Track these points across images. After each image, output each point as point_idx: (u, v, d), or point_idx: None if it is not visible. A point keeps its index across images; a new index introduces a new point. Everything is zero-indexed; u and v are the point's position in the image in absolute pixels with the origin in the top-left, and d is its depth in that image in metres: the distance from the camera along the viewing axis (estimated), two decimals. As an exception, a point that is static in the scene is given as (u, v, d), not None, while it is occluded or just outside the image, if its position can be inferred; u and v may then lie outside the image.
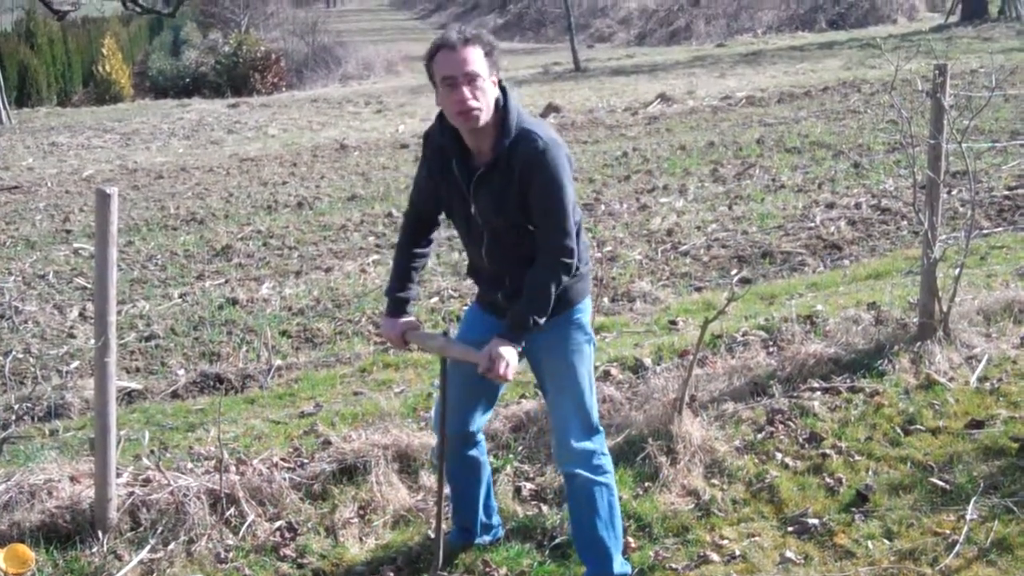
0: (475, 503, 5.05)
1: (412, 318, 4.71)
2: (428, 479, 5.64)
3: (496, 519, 5.20)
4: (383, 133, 19.90)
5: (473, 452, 4.94)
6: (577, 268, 4.42)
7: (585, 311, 4.59)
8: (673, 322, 8.10)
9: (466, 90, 4.11)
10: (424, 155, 4.52)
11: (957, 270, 6.99)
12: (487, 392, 4.83)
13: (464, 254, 5.12)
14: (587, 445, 4.60)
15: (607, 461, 4.69)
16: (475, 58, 4.14)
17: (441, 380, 4.61)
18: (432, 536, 4.96)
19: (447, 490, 4.83)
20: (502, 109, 4.24)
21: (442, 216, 4.68)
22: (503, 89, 4.29)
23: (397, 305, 4.67)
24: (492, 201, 4.29)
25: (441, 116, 4.37)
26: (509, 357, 4.24)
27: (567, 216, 4.25)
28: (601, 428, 4.71)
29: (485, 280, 4.63)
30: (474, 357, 4.36)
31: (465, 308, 8.76)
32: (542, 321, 4.30)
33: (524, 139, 4.19)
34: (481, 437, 4.99)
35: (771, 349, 7.11)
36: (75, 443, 6.31)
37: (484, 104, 4.15)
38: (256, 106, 26.30)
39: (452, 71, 4.12)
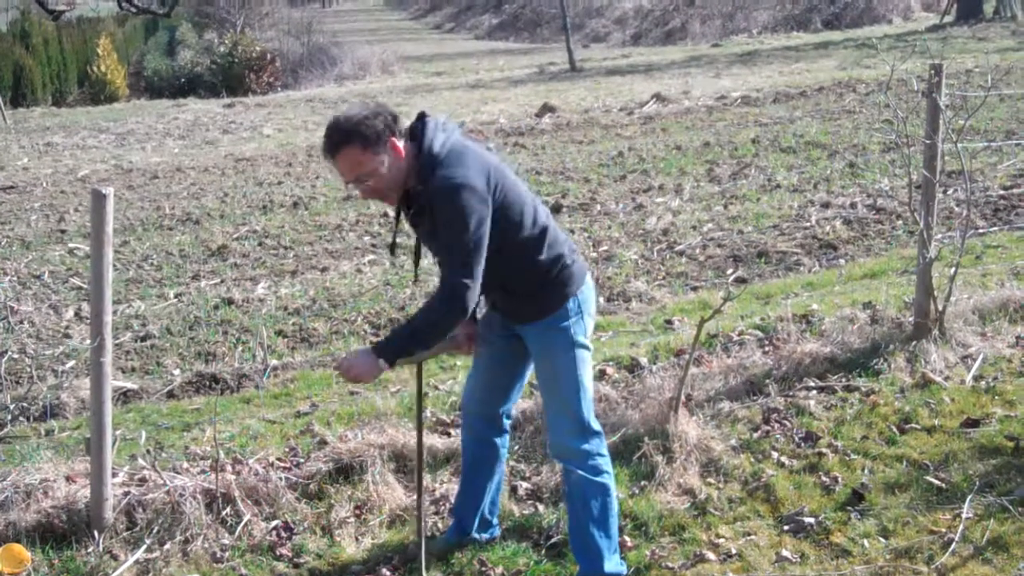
0: (482, 494, 5.06)
1: None
2: (424, 478, 5.63)
3: (496, 518, 5.20)
4: (379, 133, 19.83)
5: (496, 439, 4.99)
6: (547, 277, 4.53)
7: (569, 315, 4.59)
8: (669, 321, 8.11)
9: (359, 191, 4.37)
10: None
11: (952, 269, 7.00)
12: (513, 375, 4.90)
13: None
14: (581, 446, 4.63)
15: (604, 462, 4.70)
16: (351, 162, 4.29)
17: (417, 386, 4.71)
18: (415, 540, 4.97)
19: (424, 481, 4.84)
20: (418, 154, 4.35)
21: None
22: (417, 128, 4.42)
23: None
24: (428, 238, 4.48)
25: None
26: (358, 368, 4.35)
27: (461, 252, 4.25)
28: (599, 429, 4.71)
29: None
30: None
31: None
32: (413, 355, 4.45)
33: (432, 181, 4.29)
34: (507, 427, 5.04)
35: (767, 348, 7.11)
36: (71, 443, 6.31)
37: (381, 189, 4.36)
38: (251, 106, 26.27)
39: (344, 177, 4.36)
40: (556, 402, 4.66)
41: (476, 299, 4.30)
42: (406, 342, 4.35)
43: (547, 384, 4.71)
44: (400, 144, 4.32)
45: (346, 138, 4.25)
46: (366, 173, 4.28)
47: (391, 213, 5.63)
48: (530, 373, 4.98)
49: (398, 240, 4.90)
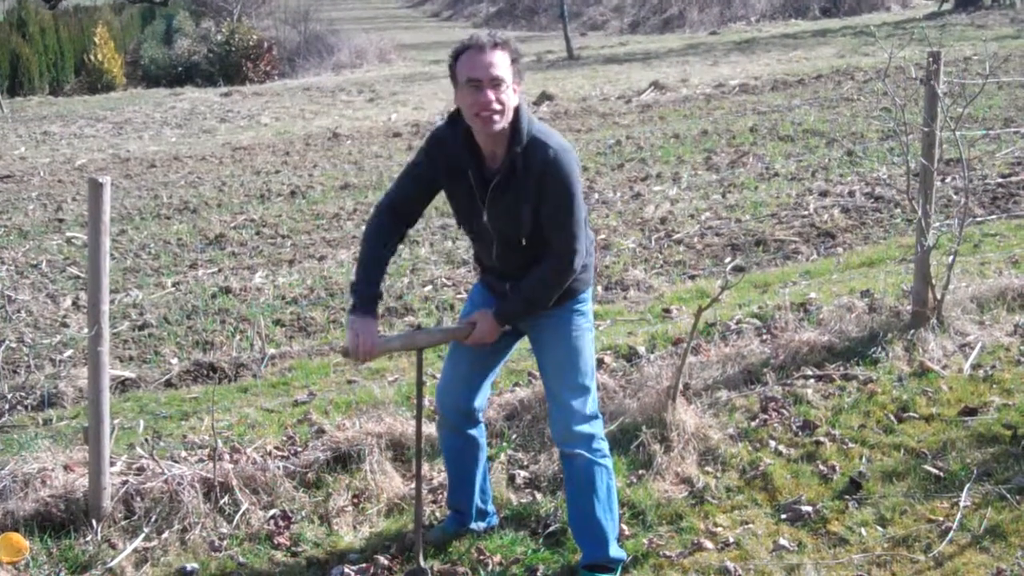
0: (471, 485, 5.06)
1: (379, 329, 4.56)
2: (422, 466, 5.64)
3: (491, 506, 5.20)
4: (376, 122, 19.85)
5: (473, 431, 4.98)
6: (584, 265, 4.53)
7: (587, 300, 4.68)
8: (667, 310, 8.11)
9: (490, 93, 4.14)
10: (429, 156, 4.48)
11: (950, 258, 7.00)
12: (491, 370, 4.91)
13: (466, 242, 5.16)
14: (587, 429, 4.64)
15: (605, 445, 4.73)
16: (502, 63, 4.18)
17: (418, 373, 4.66)
18: (412, 529, 4.97)
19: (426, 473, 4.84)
20: (515, 117, 4.26)
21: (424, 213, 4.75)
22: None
23: (367, 303, 4.49)
24: (505, 213, 4.36)
25: (452, 120, 4.40)
26: (489, 329, 4.48)
27: (577, 223, 4.33)
28: (600, 414, 4.73)
29: (492, 273, 4.71)
30: (453, 332, 4.63)
31: (458, 296, 8.76)
32: (530, 311, 4.50)
33: (536, 147, 4.24)
34: (481, 417, 5.03)
35: (764, 337, 7.11)
36: (69, 432, 6.31)
37: (505, 109, 4.18)
38: (249, 95, 26.24)
39: (479, 73, 4.15)
40: (571, 383, 4.63)
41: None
42: (520, 308, 4.50)
43: (562, 366, 4.65)
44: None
45: (505, 44, 4.21)
46: (505, 81, 4.17)
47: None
48: (498, 374, 4.99)
49: (411, 222, 4.76)
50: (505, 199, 4.32)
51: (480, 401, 4.94)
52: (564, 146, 4.28)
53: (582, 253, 4.38)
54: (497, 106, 4.15)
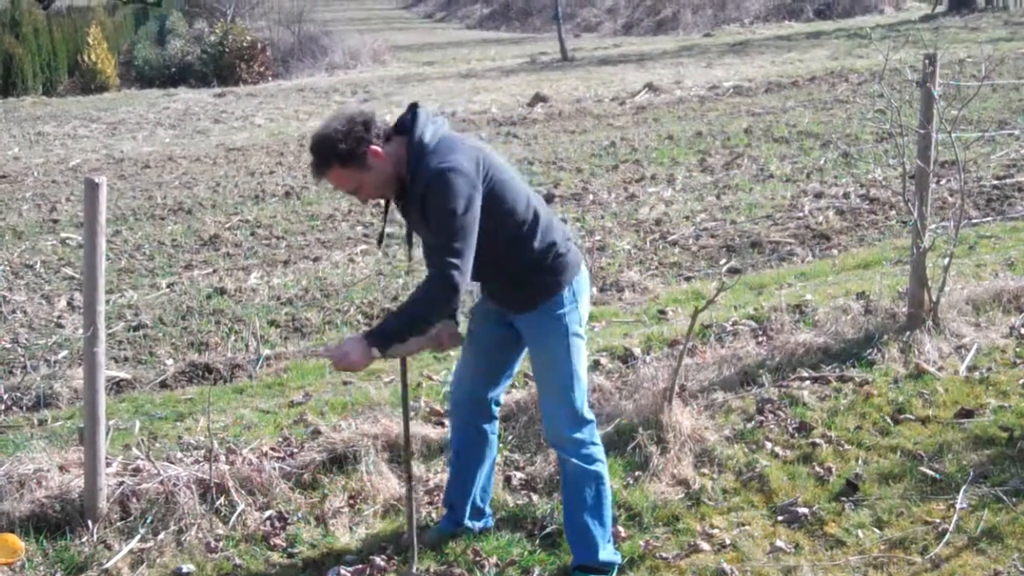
0: (472, 480, 5.06)
1: None
2: (417, 468, 5.64)
3: (488, 508, 5.20)
4: (370, 122, 19.79)
5: (485, 425, 5.00)
6: (539, 265, 4.54)
7: (564, 304, 4.59)
8: (663, 312, 8.11)
9: (355, 197, 4.63)
10: None
11: (946, 260, 7.00)
12: (503, 363, 4.91)
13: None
14: (575, 435, 4.63)
15: (598, 451, 4.71)
16: (338, 179, 4.44)
17: (402, 377, 4.69)
18: (405, 533, 4.96)
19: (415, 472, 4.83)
20: (409, 144, 4.40)
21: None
22: (407, 120, 4.46)
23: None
24: (418, 226, 4.48)
25: None
26: (350, 356, 4.31)
27: (452, 235, 4.25)
28: (592, 418, 4.72)
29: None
30: (323, 352, 4.63)
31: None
32: (406, 334, 4.35)
33: (418, 174, 4.35)
34: (496, 413, 5.04)
35: (760, 339, 7.12)
36: (64, 433, 6.29)
37: (372, 193, 4.52)
38: (242, 95, 26.22)
39: (338, 189, 4.65)
40: (551, 391, 4.67)
41: (466, 284, 4.28)
42: (397, 329, 4.34)
43: (542, 373, 4.73)
44: (380, 148, 4.36)
45: (325, 162, 4.36)
46: (353, 187, 4.45)
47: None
48: (521, 363, 4.98)
49: (388, 231, 4.89)
50: (414, 215, 4.46)
51: (494, 393, 4.96)
52: (443, 164, 4.29)
53: (459, 270, 4.23)
54: (369, 198, 4.59)
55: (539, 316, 4.59)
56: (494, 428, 5.06)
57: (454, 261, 4.23)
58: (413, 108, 4.47)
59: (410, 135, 4.39)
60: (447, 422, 6.09)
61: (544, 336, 4.61)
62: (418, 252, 4.57)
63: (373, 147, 4.34)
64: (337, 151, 4.31)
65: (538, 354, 4.69)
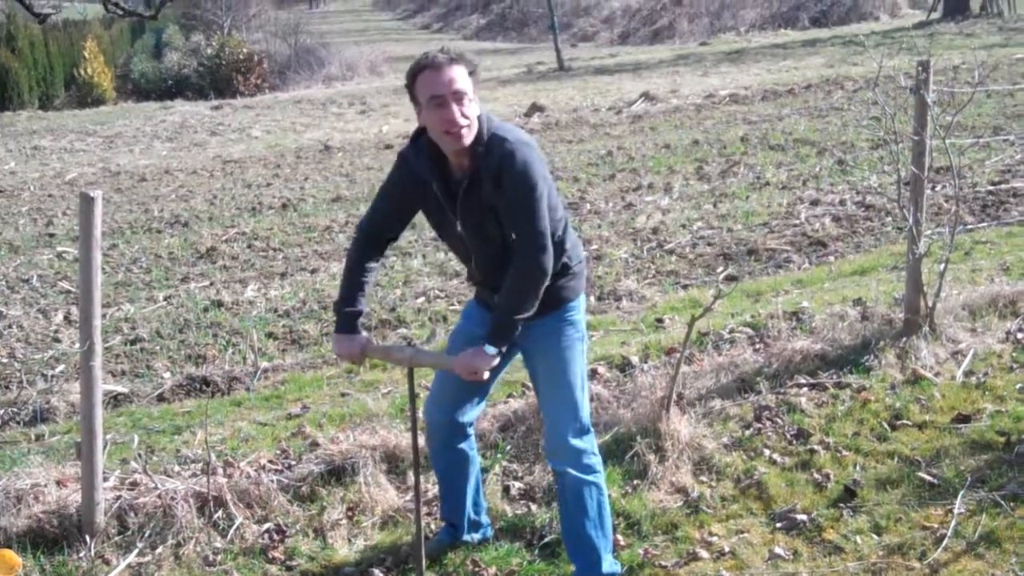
0: (463, 498, 5.04)
1: (365, 334, 4.65)
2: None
3: (485, 518, 5.19)
4: (367, 134, 19.87)
5: (462, 444, 4.94)
6: (567, 267, 4.50)
7: (578, 309, 4.60)
8: (660, 320, 8.11)
9: (455, 108, 4.12)
10: (396, 175, 4.50)
11: (942, 265, 7.00)
12: (479, 385, 4.81)
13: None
14: (578, 444, 4.60)
15: (597, 461, 4.68)
16: (461, 77, 4.15)
17: (409, 390, 4.63)
18: (411, 542, 4.95)
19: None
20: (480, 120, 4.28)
21: (404, 232, 4.73)
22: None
23: (349, 320, 4.60)
24: (475, 218, 4.32)
25: (415, 139, 4.40)
26: (483, 364, 4.29)
27: (538, 217, 4.20)
28: (591, 428, 4.71)
29: (478, 283, 4.68)
30: (448, 364, 4.44)
31: (451, 308, 8.76)
32: (520, 324, 4.30)
33: (494, 144, 4.20)
34: (471, 431, 4.99)
35: (758, 346, 7.12)
36: (61, 447, 6.29)
37: (472, 122, 4.18)
38: (239, 108, 26.25)
39: (440, 90, 4.12)
40: (561, 397, 4.61)
41: (551, 263, 4.25)
42: (511, 323, 4.29)
43: (553, 379, 4.62)
44: None
45: (461, 58, 4.20)
46: (467, 94, 4.16)
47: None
48: (493, 387, 4.95)
49: (392, 238, 4.80)
50: (472, 203, 4.28)
51: (470, 416, 4.90)
52: (521, 139, 4.23)
53: (548, 250, 4.22)
54: (464, 120, 4.14)
55: (556, 321, 4.53)
56: (471, 444, 5.00)
57: (545, 237, 4.20)
58: None
59: (479, 117, 4.28)
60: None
61: (560, 339, 4.55)
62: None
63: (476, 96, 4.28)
64: (468, 59, 4.22)
65: (550, 359, 4.60)
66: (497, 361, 4.35)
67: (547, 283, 4.37)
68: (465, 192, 4.29)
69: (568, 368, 4.57)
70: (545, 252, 4.21)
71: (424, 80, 4.17)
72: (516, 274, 4.26)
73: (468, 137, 4.18)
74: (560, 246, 4.44)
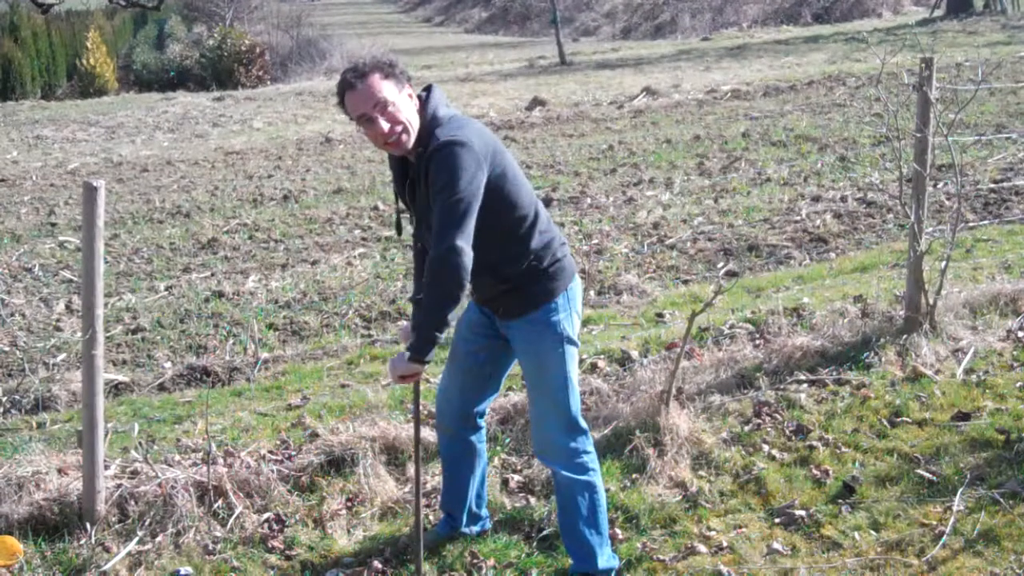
0: (466, 489, 5.06)
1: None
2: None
3: (485, 511, 5.20)
4: (369, 126, 19.81)
5: (472, 436, 4.98)
6: (536, 268, 4.47)
7: (559, 310, 4.52)
8: (660, 315, 8.12)
9: (382, 120, 4.21)
10: (392, 176, 4.61)
11: (943, 263, 7.01)
12: (489, 377, 4.87)
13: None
14: (567, 444, 4.60)
15: (590, 459, 4.67)
16: (377, 87, 4.20)
17: (414, 393, 4.69)
18: (409, 533, 4.97)
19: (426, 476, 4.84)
20: (422, 117, 4.31)
21: None
22: (423, 96, 4.37)
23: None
24: (422, 209, 4.35)
25: None
26: (400, 370, 4.28)
27: (447, 213, 4.10)
28: (585, 427, 4.68)
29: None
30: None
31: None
32: (442, 334, 4.20)
33: (429, 144, 4.21)
34: (482, 423, 5.01)
35: (758, 342, 7.13)
36: (62, 435, 6.30)
37: (406, 125, 4.24)
38: (241, 99, 26.23)
39: (362, 108, 4.21)
40: (543, 399, 4.63)
41: (469, 259, 4.09)
42: (427, 332, 4.19)
43: (534, 380, 4.65)
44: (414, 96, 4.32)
45: (371, 67, 4.22)
46: (390, 101, 4.20)
47: (382, 206, 5.59)
48: (507, 373, 4.97)
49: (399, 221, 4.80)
50: (419, 202, 4.34)
51: (480, 407, 4.94)
52: (453, 139, 4.16)
53: (458, 251, 4.06)
54: (396, 127, 4.22)
55: (532, 322, 4.51)
56: (481, 437, 5.04)
57: (454, 238, 4.06)
58: (428, 87, 4.43)
59: (424, 108, 4.31)
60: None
61: (538, 342, 4.54)
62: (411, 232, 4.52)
63: (411, 89, 4.30)
64: (380, 63, 4.23)
65: (530, 361, 4.61)
66: (421, 370, 4.32)
67: (500, 285, 4.45)
68: (410, 190, 4.38)
69: (549, 370, 4.56)
70: (453, 253, 4.06)
71: (349, 102, 4.26)
72: (427, 273, 4.19)
73: (408, 140, 4.26)
74: (522, 244, 4.44)
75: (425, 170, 4.19)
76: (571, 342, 4.58)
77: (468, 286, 4.18)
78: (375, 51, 4.75)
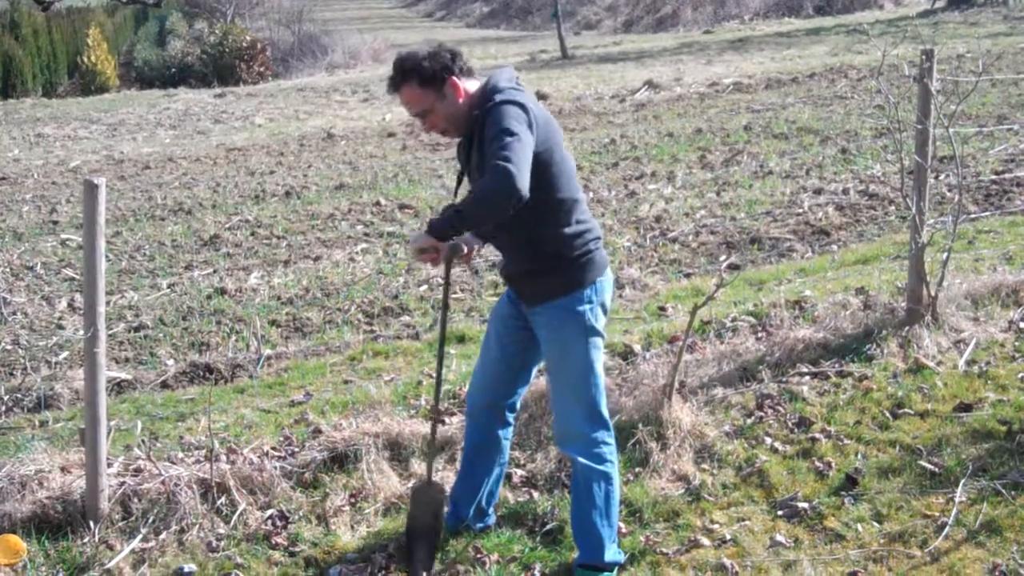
0: (480, 484, 5.07)
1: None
2: (419, 467, 5.65)
3: (492, 510, 5.20)
4: (370, 122, 19.85)
5: (499, 430, 5.01)
6: (565, 257, 4.49)
7: (584, 300, 4.54)
8: (662, 308, 8.12)
9: (423, 124, 4.51)
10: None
11: (945, 255, 7.01)
12: (519, 368, 4.89)
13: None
14: (588, 432, 4.62)
15: (609, 451, 4.68)
16: (411, 97, 4.42)
17: (444, 282, 4.72)
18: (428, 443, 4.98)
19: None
20: (484, 88, 4.40)
21: None
22: (488, 78, 4.45)
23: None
24: (476, 165, 4.40)
25: None
26: (417, 245, 4.33)
27: (509, 145, 4.03)
28: (608, 420, 4.70)
29: (504, 276, 4.80)
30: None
31: (452, 296, 8.77)
32: (464, 225, 4.19)
33: (486, 104, 4.29)
34: (511, 420, 5.04)
35: (760, 334, 7.13)
36: (65, 434, 6.30)
37: (444, 124, 4.46)
38: (242, 96, 26.24)
39: (408, 110, 4.51)
40: (564, 386, 4.64)
41: (524, 185, 3.97)
42: (454, 219, 4.14)
43: (557, 369, 4.66)
44: (461, 83, 4.41)
45: (404, 76, 4.39)
46: (425, 109, 4.41)
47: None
48: (538, 366, 4.98)
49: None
50: (472, 157, 4.43)
51: (511, 399, 4.97)
52: (509, 98, 4.26)
53: (517, 170, 3.96)
54: (435, 131, 4.51)
55: (556, 308, 4.53)
56: (508, 434, 5.06)
57: (510, 163, 3.97)
58: (500, 68, 4.55)
59: (488, 77, 4.44)
60: (447, 420, 6.11)
61: (559, 329, 4.55)
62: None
63: (454, 78, 4.39)
64: (419, 68, 4.36)
65: (552, 348, 4.62)
66: (435, 243, 4.28)
67: (527, 264, 4.52)
68: (467, 150, 4.49)
69: (573, 359, 4.58)
70: (510, 170, 3.96)
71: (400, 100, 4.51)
72: (481, 182, 4.11)
73: (452, 133, 4.50)
74: (556, 227, 4.45)
75: (481, 127, 4.26)
76: (595, 333, 4.60)
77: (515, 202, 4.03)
78: (419, 47, 4.76)
